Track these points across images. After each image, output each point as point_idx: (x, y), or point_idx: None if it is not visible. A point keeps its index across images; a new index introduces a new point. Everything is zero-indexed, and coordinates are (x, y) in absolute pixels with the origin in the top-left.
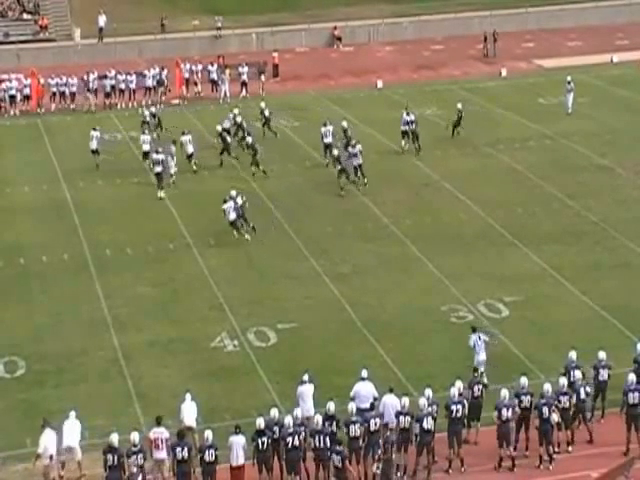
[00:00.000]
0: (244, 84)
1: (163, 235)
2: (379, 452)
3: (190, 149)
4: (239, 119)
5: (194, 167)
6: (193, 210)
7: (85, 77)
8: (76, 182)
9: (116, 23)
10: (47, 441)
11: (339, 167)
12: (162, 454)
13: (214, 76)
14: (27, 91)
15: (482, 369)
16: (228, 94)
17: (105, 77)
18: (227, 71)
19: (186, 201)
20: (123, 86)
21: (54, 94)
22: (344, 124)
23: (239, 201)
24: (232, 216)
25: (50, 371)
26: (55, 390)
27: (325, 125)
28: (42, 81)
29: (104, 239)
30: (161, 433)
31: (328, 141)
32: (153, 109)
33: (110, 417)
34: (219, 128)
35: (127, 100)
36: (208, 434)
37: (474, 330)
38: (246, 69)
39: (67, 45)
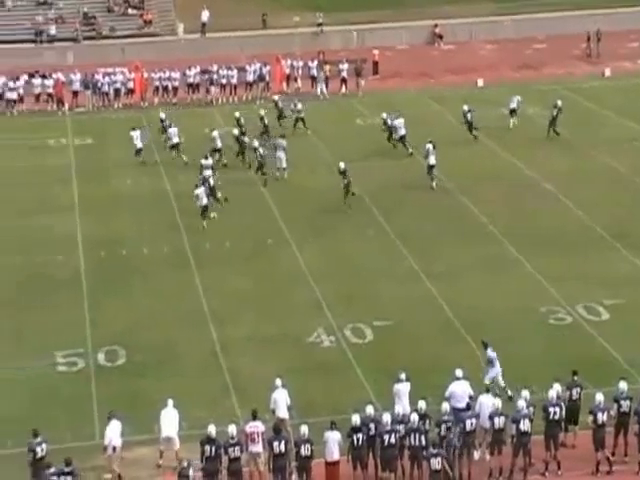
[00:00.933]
0: (344, 81)
1: (262, 230)
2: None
3: (218, 144)
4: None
5: (224, 161)
6: (292, 206)
7: (187, 72)
8: (176, 175)
9: (219, 18)
10: (112, 433)
11: (345, 180)
12: (258, 447)
13: (314, 72)
14: (131, 85)
15: (502, 381)
16: (325, 91)
17: (207, 72)
18: (327, 67)
19: (285, 196)
20: (224, 81)
21: (157, 88)
22: (384, 115)
23: (211, 182)
24: (204, 201)
25: (150, 361)
26: (154, 380)
27: (397, 118)
28: (146, 75)
29: (204, 232)
30: (257, 427)
31: (402, 133)
32: (163, 114)
33: (208, 409)
34: (236, 132)
35: (228, 95)
36: (304, 429)
37: (486, 346)
38: (346, 66)
39: (170, 40)
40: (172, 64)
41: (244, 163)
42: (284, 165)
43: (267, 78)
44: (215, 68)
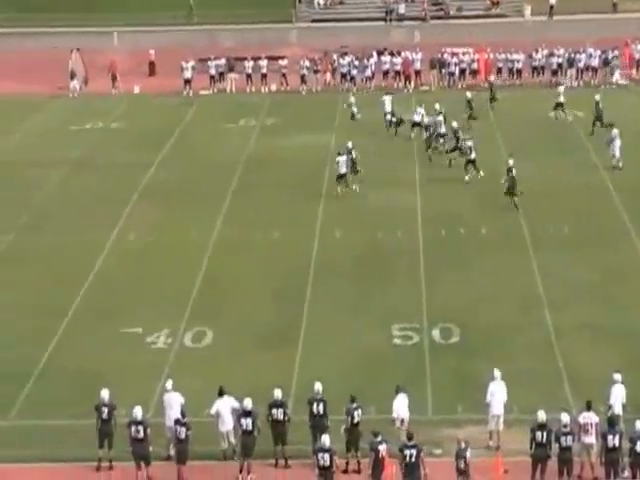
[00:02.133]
0: None
1: (600, 216)
2: None
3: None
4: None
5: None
6: (632, 193)
7: (533, 54)
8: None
9: (567, 1)
10: (398, 406)
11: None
12: (591, 439)
13: None
14: (475, 65)
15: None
16: (620, 79)
17: (552, 55)
18: None
19: (625, 184)
20: (566, 64)
21: (500, 69)
22: (597, 97)
23: (353, 154)
24: (343, 170)
25: (482, 342)
26: (486, 361)
27: None
28: (491, 56)
29: (545, 216)
30: (590, 418)
31: None
32: (353, 99)
33: (539, 395)
34: (455, 124)
35: (573, 78)
36: (639, 424)
37: None
38: None
39: (517, 21)
40: (518, 46)
41: (462, 153)
42: (618, 154)
43: (613, 63)
44: (561, 51)
